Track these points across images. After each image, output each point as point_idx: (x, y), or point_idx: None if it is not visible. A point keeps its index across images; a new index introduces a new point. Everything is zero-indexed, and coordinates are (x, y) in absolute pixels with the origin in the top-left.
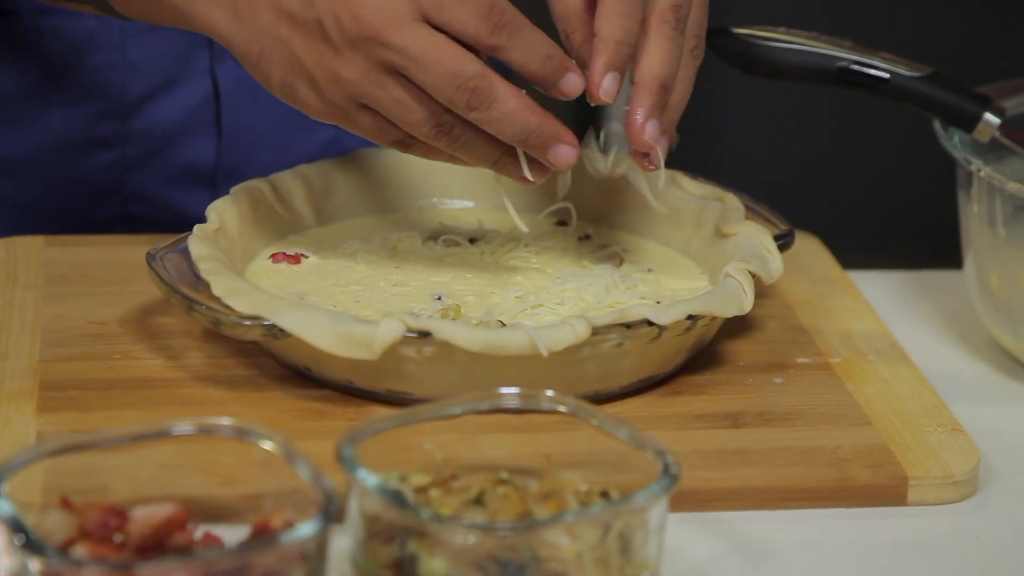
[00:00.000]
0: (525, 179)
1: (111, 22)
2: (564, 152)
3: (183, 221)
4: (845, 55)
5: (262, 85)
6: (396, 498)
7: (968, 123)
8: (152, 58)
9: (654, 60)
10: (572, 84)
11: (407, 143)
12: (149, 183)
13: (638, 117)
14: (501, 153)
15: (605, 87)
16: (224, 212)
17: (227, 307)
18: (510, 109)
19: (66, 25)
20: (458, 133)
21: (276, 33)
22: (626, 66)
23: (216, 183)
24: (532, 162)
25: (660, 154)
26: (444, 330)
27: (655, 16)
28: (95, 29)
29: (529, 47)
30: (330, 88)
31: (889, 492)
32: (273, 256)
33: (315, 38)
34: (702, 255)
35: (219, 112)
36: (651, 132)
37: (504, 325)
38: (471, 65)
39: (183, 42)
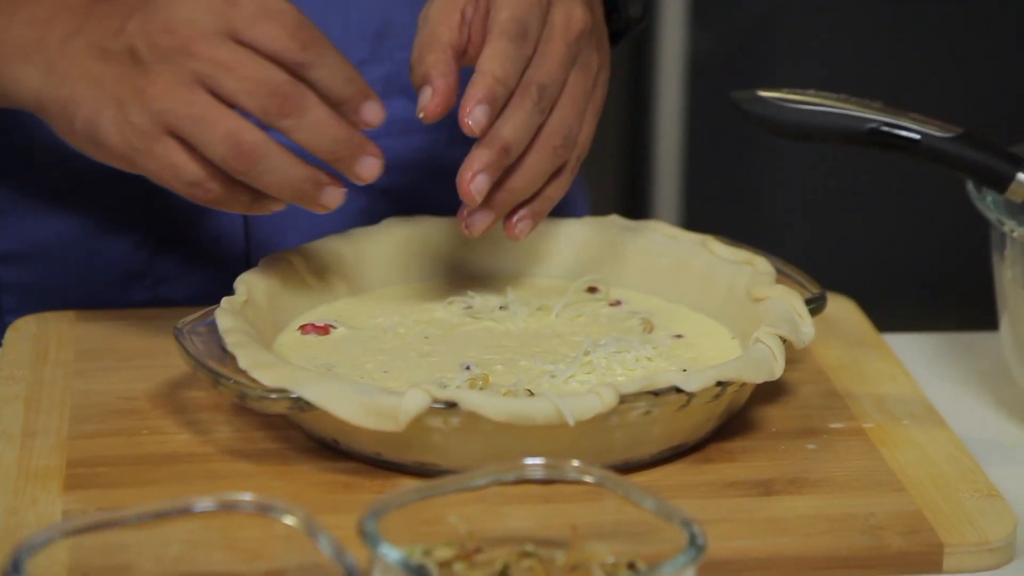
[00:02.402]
0: (322, 207)
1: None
2: (370, 164)
3: (214, 302)
4: (875, 116)
5: (64, 138)
6: (419, 573)
7: (1000, 184)
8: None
9: (505, 122)
10: (373, 112)
11: (203, 186)
12: (178, 264)
13: (471, 169)
14: (303, 179)
15: (476, 116)
16: (253, 284)
17: (253, 380)
18: (321, 118)
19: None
20: (261, 154)
21: (90, 74)
22: (498, 107)
23: (249, 261)
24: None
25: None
26: (470, 400)
27: (520, 87)
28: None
29: (334, 67)
30: (137, 111)
31: (924, 560)
32: (302, 327)
33: (127, 65)
34: (733, 320)
35: None
36: (479, 185)
37: (532, 394)
38: (280, 74)
39: None
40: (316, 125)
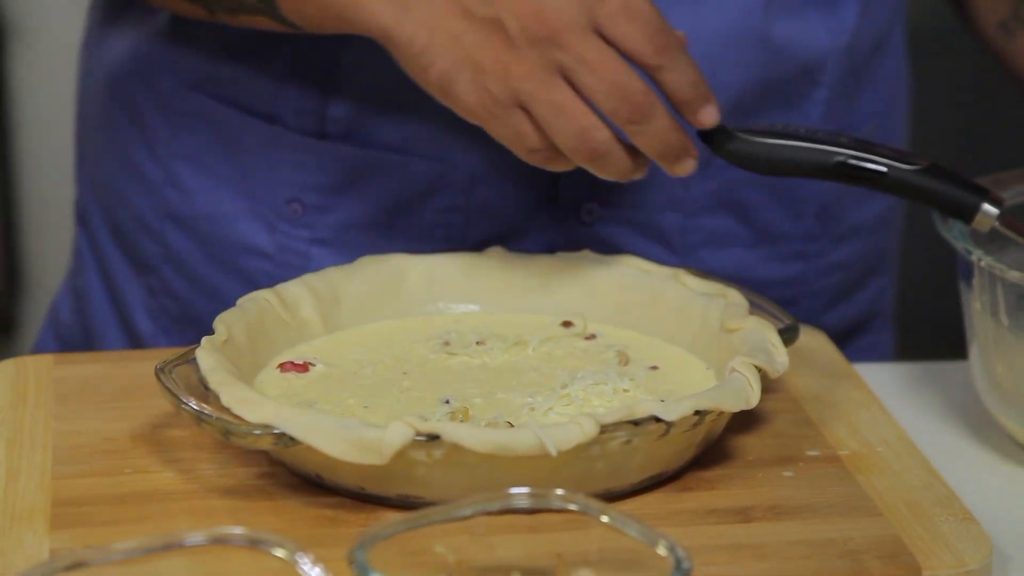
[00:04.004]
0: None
1: (458, 165)
2: (688, 164)
3: None
4: (843, 150)
5: (413, 78)
6: None
7: (966, 214)
8: (496, 206)
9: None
10: (710, 114)
11: (543, 153)
12: None
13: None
14: (634, 170)
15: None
16: (232, 323)
17: (237, 417)
18: (663, 127)
19: (419, 163)
20: (603, 152)
21: (448, 27)
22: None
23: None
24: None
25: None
26: (453, 433)
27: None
28: (445, 172)
29: (684, 72)
30: (497, 82)
31: None
32: (281, 365)
33: (492, 34)
34: (708, 351)
35: None
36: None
37: (512, 426)
38: (637, 81)
39: (531, 197)
40: (657, 133)
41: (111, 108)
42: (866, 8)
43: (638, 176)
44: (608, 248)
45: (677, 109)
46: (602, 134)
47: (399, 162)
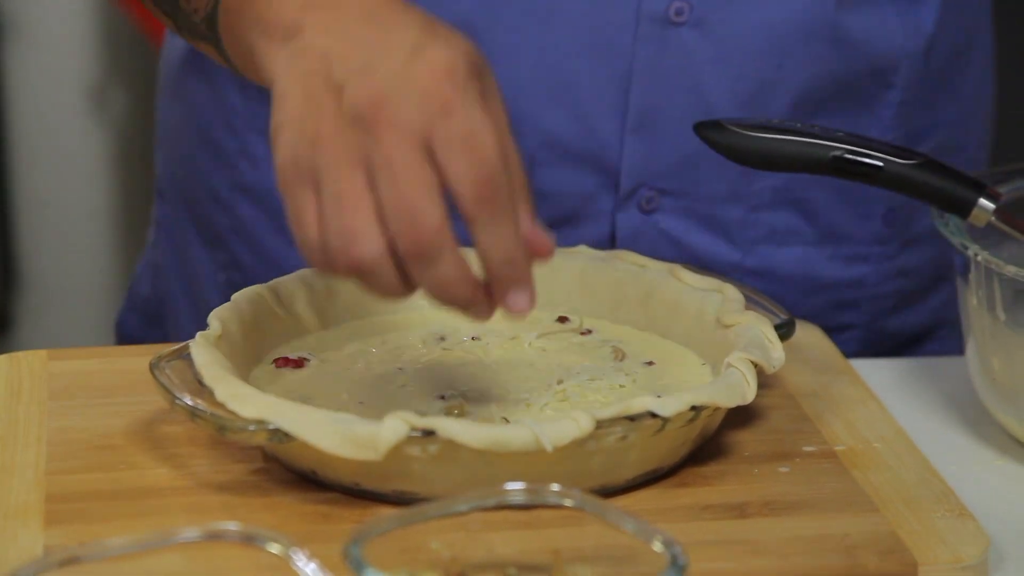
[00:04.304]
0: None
1: (521, 148)
2: (480, 318)
3: None
4: (839, 144)
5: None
6: None
7: (963, 209)
8: (557, 190)
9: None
10: (519, 302)
11: (309, 248)
12: None
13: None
14: (405, 295)
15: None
16: (226, 319)
17: (231, 413)
18: (447, 276)
19: None
20: (366, 269)
21: (304, 83)
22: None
23: None
24: None
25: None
26: (448, 428)
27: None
28: None
29: (501, 239)
30: (306, 148)
31: None
32: (276, 361)
33: (329, 101)
34: (704, 346)
35: None
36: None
37: (508, 422)
38: (435, 216)
39: (592, 182)
40: (437, 278)
41: (190, 81)
42: (946, 14)
43: (405, 299)
44: (668, 239)
45: (487, 278)
46: (371, 245)
47: None
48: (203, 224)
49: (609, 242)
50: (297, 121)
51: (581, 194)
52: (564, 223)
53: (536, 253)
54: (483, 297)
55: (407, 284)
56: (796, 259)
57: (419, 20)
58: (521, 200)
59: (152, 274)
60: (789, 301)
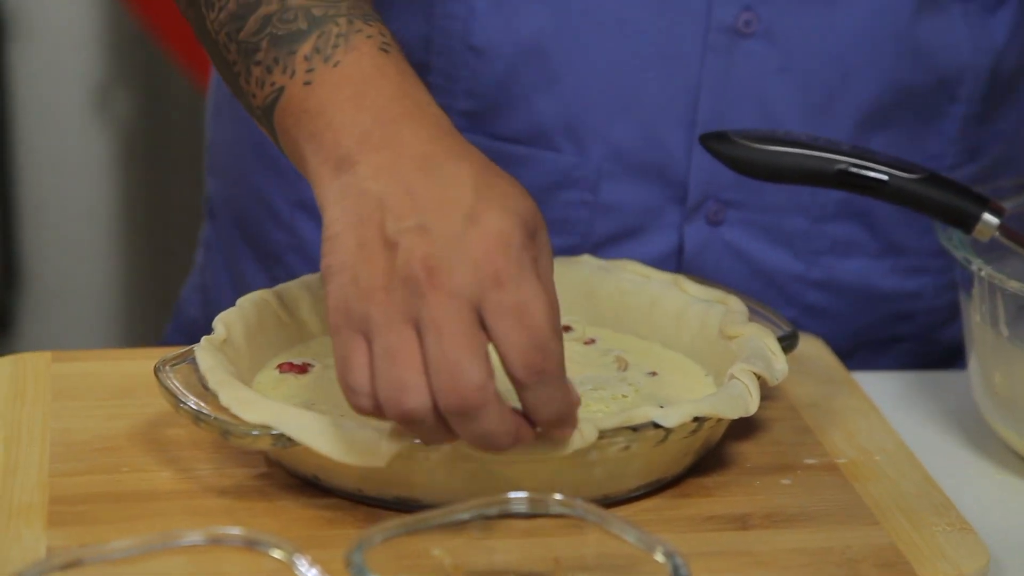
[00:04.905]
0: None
1: (587, 160)
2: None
3: None
4: (844, 158)
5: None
6: None
7: (967, 223)
8: (624, 203)
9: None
10: (563, 436)
11: (359, 397)
12: None
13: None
14: (447, 439)
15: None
16: (231, 323)
17: (235, 417)
18: (488, 431)
19: (549, 158)
20: (413, 420)
21: (358, 231)
22: (570, 418)
23: None
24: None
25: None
26: None
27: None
28: (574, 166)
29: (548, 400)
30: (357, 300)
31: None
32: (280, 366)
33: (382, 256)
34: (707, 357)
35: (678, 270)
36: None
37: None
38: (478, 373)
39: (658, 195)
40: (477, 431)
41: None
42: (1019, 29)
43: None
44: (734, 251)
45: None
46: (419, 400)
47: (528, 155)
48: (257, 242)
49: (677, 255)
50: (350, 269)
51: (648, 207)
52: (631, 236)
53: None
54: (526, 440)
55: (451, 434)
56: (857, 271)
57: (475, 172)
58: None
59: (201, 296)
60: (848, 313)
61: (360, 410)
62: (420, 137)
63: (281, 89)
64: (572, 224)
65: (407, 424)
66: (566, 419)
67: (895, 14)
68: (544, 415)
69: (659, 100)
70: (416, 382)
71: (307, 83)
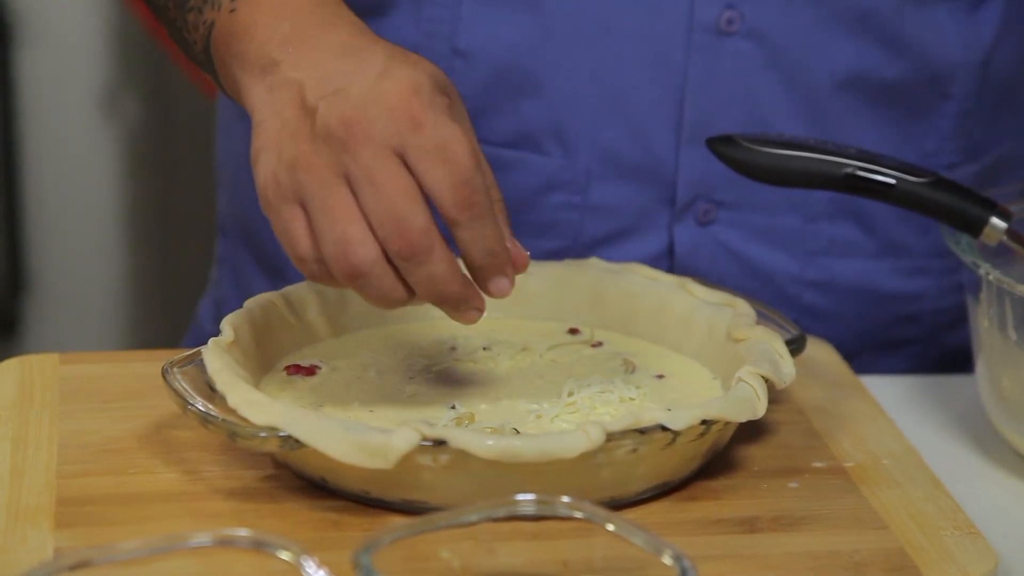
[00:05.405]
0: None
1: (576, 162)
2: (472, 315)
3: None
4: (851, 161)
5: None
6: None
7: (974, 227)
8: (613, 204)
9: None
10: (500, 287)
11: (308, 265)
12: None
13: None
14: (398, 302)
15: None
16: (238, 325)
17: (243, 419)
18: (439, 273)
19: (535, 160)
20: (363, 272)
21: (281, 110)
22: (504, 259)
23: None
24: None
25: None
26: (459, 438)
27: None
28: (562, 169)
29: (481, 235)
30: (285, 171)
31: None
32: (287, 368)
33: (303, 125)
34: (714, 361)
35: (671, 270)
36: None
37: (518, 432)
38: (419, 216)
39: (647, 196)
40: (429, 277)
41: None
42: (1007, 28)
43: (410, 305)
44: (727, 251)
45: (469, 271)
46: (366, 250)
47: (516, 158)
48: (265, 256)
49: (668, 255)
50: (274, 144)
51: (638, 208)
52: (621, 237)
53: (513, 264)
54: (474, 292)
55: (403, 287)
56: (857, 271)
57: (387, 49)
58: (498, 210)
59: (215, 311)
60: (851, 315)
61: (311, 276)
62: (340, 34)
63: (212, 23)
64: (562, 226)
65: (356, 279)
66: (499, 257)
67: (880, 9)
68: (478, 253)
69: (645, 101)
70: (360, 234)
71: (232, 11)
